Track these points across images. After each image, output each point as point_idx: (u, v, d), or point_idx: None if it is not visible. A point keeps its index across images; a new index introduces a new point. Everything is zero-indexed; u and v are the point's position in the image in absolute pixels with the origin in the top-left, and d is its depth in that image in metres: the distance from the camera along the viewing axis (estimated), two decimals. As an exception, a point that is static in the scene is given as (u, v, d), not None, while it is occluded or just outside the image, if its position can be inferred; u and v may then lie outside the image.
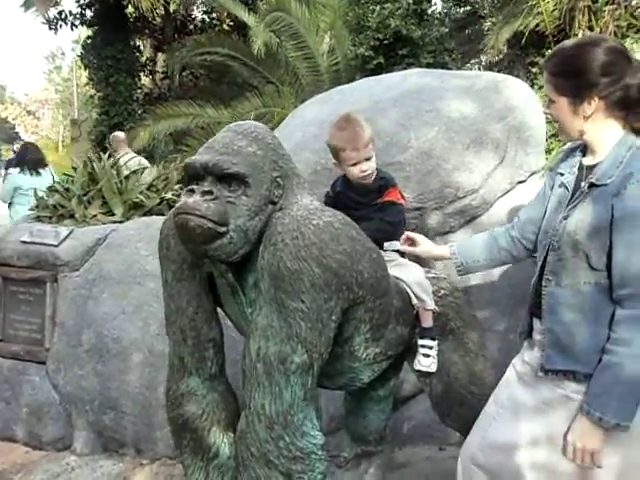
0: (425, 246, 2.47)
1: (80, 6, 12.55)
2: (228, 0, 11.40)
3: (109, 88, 12.21)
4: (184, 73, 14.02)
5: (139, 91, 13.74)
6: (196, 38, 11.51)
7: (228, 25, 13.28)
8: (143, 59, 14.11)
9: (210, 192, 1.97)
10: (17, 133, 33.64)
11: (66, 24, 12.73)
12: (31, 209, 4.54)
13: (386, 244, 2.55)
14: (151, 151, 11.76)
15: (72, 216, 4.19)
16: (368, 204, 2.55)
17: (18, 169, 6.97)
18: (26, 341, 3.97)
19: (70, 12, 12.64)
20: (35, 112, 33.05)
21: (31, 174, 6.79)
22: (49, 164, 7.25)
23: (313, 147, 3.82)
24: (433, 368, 2.54)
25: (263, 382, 1.99)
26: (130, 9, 11.87)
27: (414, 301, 2.49)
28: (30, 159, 6.92)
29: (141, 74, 14.00)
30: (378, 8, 9.62)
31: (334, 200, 2.66)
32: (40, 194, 4.50)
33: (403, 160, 3.54)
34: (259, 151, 2.08)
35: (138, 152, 8.74)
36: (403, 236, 2.51)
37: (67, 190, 4.30)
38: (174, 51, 11.83)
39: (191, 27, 13.54)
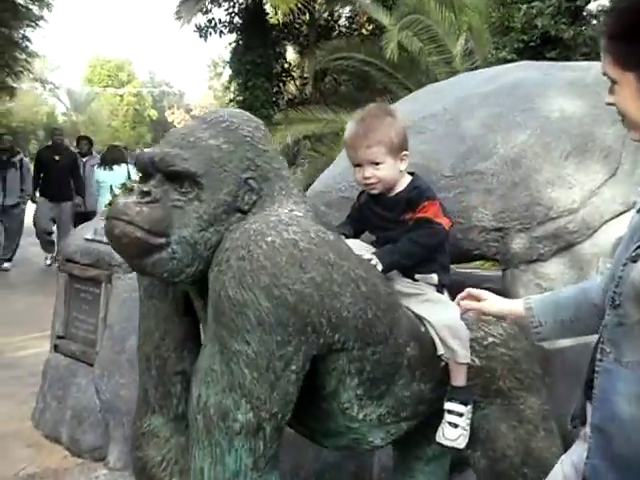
0: (491, 302, 1.76)
1: (229, 14, 12.96)
2: (369, 3, 11.08)
3: (247, 92, 12.44)
4: (326, 79, 13.93)
5: (281, 96, 13.89)
6: (334, 43, 11.32)
7: (367, 30, 12.97)
8: (286, 65, 14.25)
9: (148, 193, 1.55)
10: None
11: (215, 32, 13.23)
12: (106, 205, 4.48)
13: (418, 276, 1.98)
14: (295, 155, 11.77)
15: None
16: (396, 220, 1.99)
17: (100, 165, 8.09)
18: (83, 341, 3.86)
19: (219, 20, 13.11)
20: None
21: (104, 169, 7.89)
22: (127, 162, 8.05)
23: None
24: (461, 443, 1.91)
25: (203, 440, 1.55)
26: (273, 15, 12.01)
27: (440, 350, 1.89)
28: (109, 157, 8.02)
29: (285, 79, 14.14)
30: (525, 7, 8.71)
31: (358, 215, 2.14)
32: (116, 191, 4.40)
33: (484, 169, 2.89)
34: (225, 145, 1.63)
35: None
36: (463, 293, 1.84)
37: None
38: (314, 56, 11.75)
39: (335, 33, 13.42)
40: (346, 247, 1.64)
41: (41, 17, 12.85)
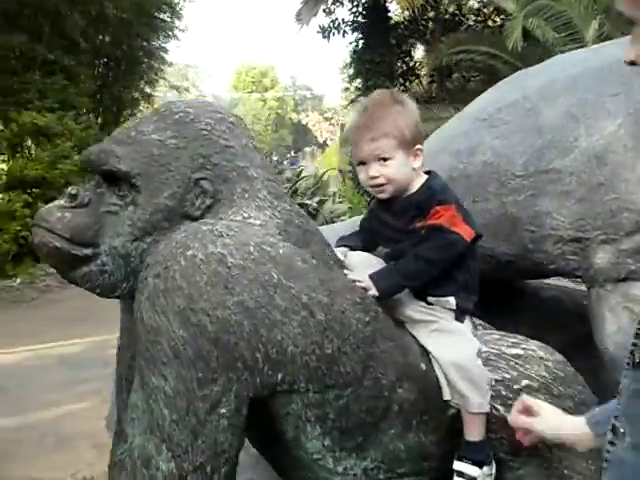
0: (547, 417, 1.32)
1: (352, 13, 12.78)
2: (497, -7, 10.34)
3: (367, 93, 12.15)
4: (453, 76, 13.30)
5: (406, 96, 13.44)
6: (457, 36, 10.71)
7: (493, 21, 12.14)
8: (411, 63, 13.78)
9: (74, 196, 1.34)
10: (315, 138, 36.78)
11: (338, 32, 13.10)
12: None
13: (432, 299, 1.61)
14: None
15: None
16: (406, 230, 1.63)
17: None
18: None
19: (343, 20, 12.97)
20: (331, 119, 35.58)
21: None
22: None
23: (454, 147, 2.88)
24: (473, 514, 1.50)
25: (129, 486, 1.31)
26: (398, 13, 11.62)
27: (445, 395, 1.51)
28: None
29: (410, 78, 13.69)
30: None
31: (368, 224, 1.80)
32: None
33: (562, 167, 2.39)
34: (172, 140, 1.39)
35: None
36: (517, 404, 1.43)
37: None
38: (438, 52, 11.22)
39: (462, 28, 12.76)
40: (304, 266, 1.32)
41: (175, 27, 13.47)
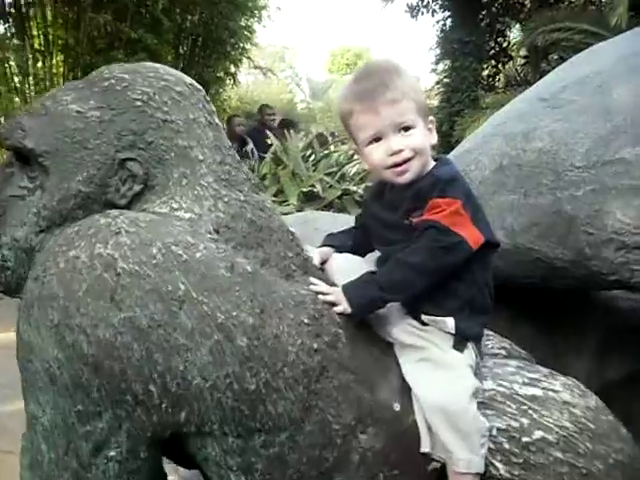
0: None
1: (442, -10, 12.13)
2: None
3: (454, 74, 11.50)
4: (550, 57, 12.37)
5: (497, 78, 12.64)
6: (552, 14, 9.86)
7: (596, -5, 11.09)
8: (505, 44, 12.93)
9: None
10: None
11: (427, 10, 12.47)
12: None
13: (426, 317, 1.28)
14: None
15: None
16: (399, 225, 1.30)
17: None
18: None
19: (432, -3, 12.33)
20: (423, 103, 34.75)
21: None
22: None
23: (508, 130, 2.49)
24: None
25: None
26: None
27: (424, 446, 1.18)
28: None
29: (504, 59, 12.85)
30: None
31: (362, 219, 1.49)
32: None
33: (632, 157, 1.96)
34: (95, 112, 1.15)
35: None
36: None
37: (252, 171, 3.81)
38: (532, 31, 10.41)
39: (562, 5, 11.79)
40: (228, 275, 1.03)
41: (263, 7, 13.35)
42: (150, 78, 1.22)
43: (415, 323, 1.30)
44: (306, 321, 1.09)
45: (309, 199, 3.43)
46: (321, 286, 1.24)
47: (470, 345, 1.29)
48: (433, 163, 1.32)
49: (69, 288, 0.94)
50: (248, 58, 14.09)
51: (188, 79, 1.30)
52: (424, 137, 1.27)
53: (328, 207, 3.45)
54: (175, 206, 1.13)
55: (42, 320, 0.94)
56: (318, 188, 3.42)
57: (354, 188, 3.46)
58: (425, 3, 12.48)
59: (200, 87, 1.34)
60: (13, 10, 9.15)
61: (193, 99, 1.26)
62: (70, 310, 0.93)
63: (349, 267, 1.36)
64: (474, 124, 9.97)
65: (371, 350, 1.24)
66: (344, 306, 1.22)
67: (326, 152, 3.96)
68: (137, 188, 1.16)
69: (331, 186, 3.48)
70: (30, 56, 9.26)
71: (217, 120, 1.31)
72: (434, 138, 1.32)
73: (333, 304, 1.22)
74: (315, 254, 1.40)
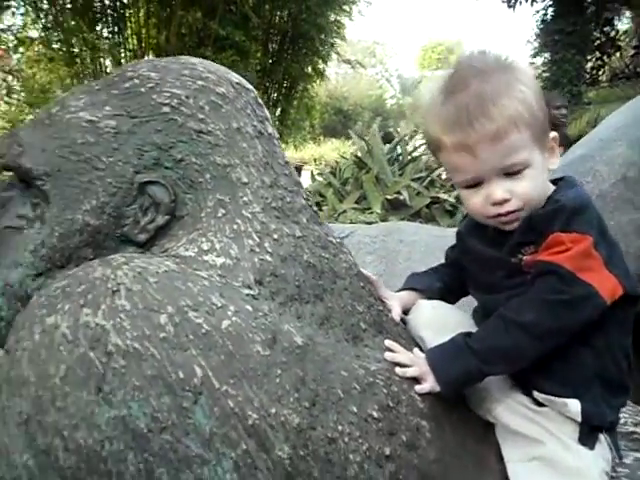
0: None
1: (543, -23, 11.32)
2: None
3: (554, 67, 10.68)
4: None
5: (602, 71, 11.70)
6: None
7: None
8: (612, 33, 11.94)
9: None
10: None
11: (526, 0, 11.69)
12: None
13: (541, 396, 0.95)
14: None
15: (333, 207, 3.40)
16: (506, 266, 0.96)
17: None
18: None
19: (534, -15, 11.54)
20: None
21: None
22: None
23: (633, 134, 2.09)
24: None
25: None
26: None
27: None
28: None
29: (610, 51, 11.90)
30: None
31: (455, 255, 1.15)
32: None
33: None
34: (111, 121, 0.91)
35: (575, 140, 7.24)
36: None
37: (333, 175, 3.53)
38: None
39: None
40: (267, 354, 0.73)
41: (353, 2, 13.15)
42: (184, 77, 0.95)
43: (526, 401, 0.96)
44: (375, 415, 0.78)
45: (394, 207, 3.10)
46: (400, 355, 0.92)
47: (603, 438, 0.94)
48: (551, 186, 0.97)
49: (43, 370, 0.67)
50: (337, 53, 13.88)
51: (235, 77, 1.02)
52: (539, 175, 0.92)
53: (415, 216, 3.11)
54: (205, 247, 0.85)
55: (10, 412, 0.69)
56: (404, 195, 3.08)
57: (445, 196, 3.09)
58: (524, -8, 11.76)
59: (250, 87, 1.05)
60: (110, 12, 9.37)
61: (239, 103, 0.98)
62: (43, 402, 0.67)
63: (440, 320, 1.04)
64: (576, 122, 9.24)
65: (464, 441, 0.92)
66: (430, 384, 0.90)
67: (414, 155, 3.61)
68: (161, 220, 0.89)
69: (419, 193, 3.13)
70: (123, 55, 9.46)
71: (271, 129, 1.02)
72: (555, 160, 0.97)
73: (415, 379, 0.90)
74: (394, 303, 1.08)
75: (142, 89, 0.93)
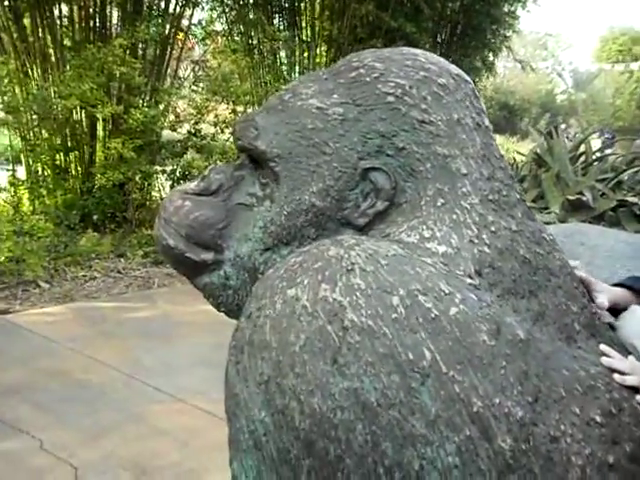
0: None
1: None
2: None
3: None
4: None
5: None
6: None
7: None
8: None
9: (204, 178, 1.03)
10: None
11: None
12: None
13: None
14: None
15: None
16: None
17: None
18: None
19: None
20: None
21: None
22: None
23: None
24: None
25: None
26: None
27: None
28: None
29: None
30: None
31: None
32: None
33: None
34: (339, 108, 0.98)
35: None
36: None
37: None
38: None
39: None
40: (492, 344, 0.74)
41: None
42: (407, 67, 0.97)
43: None
44: (598, 419, 0.75)
45: (575, 208, 2.93)
46: (617, 361, 0.88)
47: None
48: None
49: (284, 338, 0.73)
50: (508, 47, 13.33)
51: (454, 69, 1.03)
52: None
53: (598, 219, 2.91)
54: (427, 234, 0.87)
55: (251, 371, 0.75)
56: (587, 196, 2.89)
57: (634, 199, 2.86)
58: None
59: (468, 78, 1.05)
60: (286, 5, 9.76)
61: (459, 94, 0.98)
62: (283, 366, 0.72)
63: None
64: None
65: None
66: None
67: (600, 155, 3.38)
68: (381, 206, 0.93)
69: (603, 195, 2.93)
70: (297, 47, 9.80)
71: (487, 122, 1.02)
72: None
73: (635, 389, 0.86)
74: (603, 293, 1.03)
75: (367, 78, 0.96)
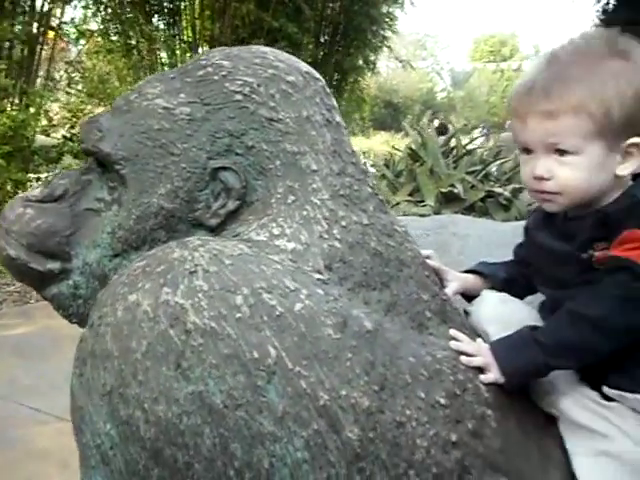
0: None
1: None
2: None
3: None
4: None
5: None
6: None
7: None
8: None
9: (47, 184, 0.96)
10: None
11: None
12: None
13: (611, 391, 0.94)
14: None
15: (386, 200, 3.39)
16: (576, 260, 0.95)
17: None
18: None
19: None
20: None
21: None
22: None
23: None
24: None
25: None
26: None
27: None
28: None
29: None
30: None
31: (523, 250, 1.14)
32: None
33: None
34: (186, 108, 0.95)
35: None
36: None
37: (387, 167, 3.52)
38: None
39: None
40: (338, 337, 0.75)
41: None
42: (255, 65, 0.97)
43: (594, 396, 0.94)
44: (442, 401, 0.79)
45: (448, 200, 3.08)
46: (465, 344, 0.92)
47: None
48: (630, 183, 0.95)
49: (125, 346, 0.70)
50: (388, 47, 13.77)
51: (304, 66, 1.04)
52: (588, 169, 0.89)
53: (469, 210, 3.08)
54: (276, 232, 0.87)
55: (94, 383, 0.72)
56: (459, 188, 3.05)
57: (500, 190, 3.05)
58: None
59: (319, 76, 1.06)
60: (166, 4, 9.53)
61: (308, 91, 0.99)
62: (125, 375, 0.70)
63: (506, 316, 1.03)
64: None
65: (527, 431, 0.91)
66: (495, 375, 0.90)
67: (469, 148, 3.57)
68: (232, 205, 0.92)
69: (473, 186, 3.09)
70: (178, 47, 9.60)
71: (339, 118, 1.03)
72: (626, 167, 0.92)
73: (480, 369, 0.91)
74: (453, 281, 1.09)
75: (215, 77, 0.95)
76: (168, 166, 0.91)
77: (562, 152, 0.90)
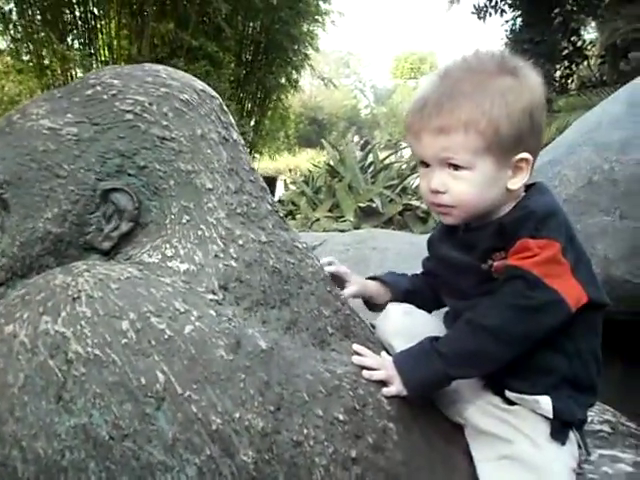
0: None
1: (512, -12, 11.52)
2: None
3: (524, 76, 10.92)
4: (632, 54, 11.59)
5: (570, 79, 11.94)
6: (630, 11, 9.14)
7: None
8: (579, 43, 12.19)
9: None
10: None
11: (495, 11, 11.88)
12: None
13: (512, 395, 0.96)
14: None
15: (306, 216, 3.40)
16: (475, 270, 0.97)
17: None
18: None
19: (500, -3, 11.73)
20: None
21: None
22: None
23: (600, 140, 2.13)
24: None
25: None
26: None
27: None
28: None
29: (577, 60, 12.14)
30: None
31: (428, 262, 1.16)
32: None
33: None
34: (73, 128, 0.90)
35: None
36: None
37: (306, 184, 3.53)
38: (612, 30, 9.72)
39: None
40: (229, 358, 0.73)
41: (325, 13, 13.22)
42: (147, 84, 0.95)
43: (497, 401, 0.97)
44: (341, 417, 0.78)
45: (367, 215, 3.12)
46: (367, 358, 0.93)
47: (572, 435, 0.95)
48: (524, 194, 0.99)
49: (1, 380, 0.66)
50: (310, 65, 13.94)
51: (199, 84, 1.02)
52: (480, 184, 0.92)
53: (388, 223, 3.13)
54: (169, 253, 0.85)
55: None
56: (377, 203, 3.10)
57: (417, 203, 3.12)
58: (493, 3, 11.89)
59: (214, 94, 1.05)
60: (81, 23, 9.29)
61: (203, 109, 0.98)
62: (1, 413, 0.66)
63: (411, 329, 1.04)
64: (546, 129, 9.41)
65: (432, 442, 0.92)
66: (397, 387, 0.90)
67: (386, 163, 3.64)
68: (125, 227, 0.89)
69: (391, 200, 3.15)
70: (95, 67, 9.38)
71: (236, 135, 1.02)
72: (516, 182, 0.94)
73: (383, 383, 0.91)
74: (353, 284, 1.10)
75: (104, 96, 0.92)
76: (55, 189, 0.87)
77: (456, 167, 0.92)
